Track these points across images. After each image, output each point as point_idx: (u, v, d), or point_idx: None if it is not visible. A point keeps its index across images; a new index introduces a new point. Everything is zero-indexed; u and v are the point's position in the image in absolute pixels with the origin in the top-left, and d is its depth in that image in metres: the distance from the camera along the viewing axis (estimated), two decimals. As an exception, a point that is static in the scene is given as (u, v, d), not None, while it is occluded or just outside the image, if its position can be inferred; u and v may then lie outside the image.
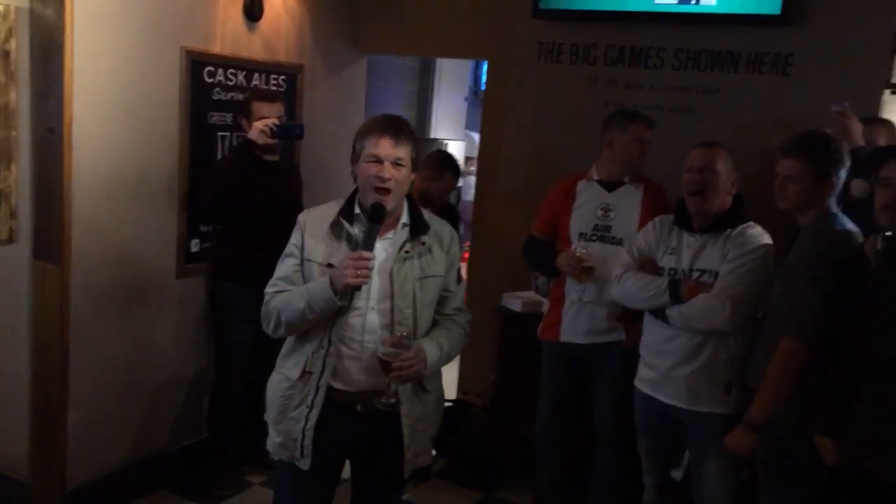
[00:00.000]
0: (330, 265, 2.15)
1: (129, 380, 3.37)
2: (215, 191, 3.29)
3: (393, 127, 2.15)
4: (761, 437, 2.47)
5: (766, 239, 2.62)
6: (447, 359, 2.27)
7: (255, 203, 3.34)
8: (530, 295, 3.77)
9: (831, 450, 2.18)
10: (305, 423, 2.18)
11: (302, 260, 2.21)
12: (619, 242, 3.09)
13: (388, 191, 2.12)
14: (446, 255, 2.27)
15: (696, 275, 2.66)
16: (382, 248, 2.19)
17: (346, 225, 2.19)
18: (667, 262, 2.75)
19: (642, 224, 3.06)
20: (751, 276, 2.55)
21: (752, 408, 2.43)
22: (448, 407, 3.61)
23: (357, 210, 2.20)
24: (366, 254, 2.08)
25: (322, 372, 2.18)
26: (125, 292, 3.29)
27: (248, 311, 3.39)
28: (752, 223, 2.67)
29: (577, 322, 3.16)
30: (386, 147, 2.12)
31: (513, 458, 3.87)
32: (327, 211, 2.23)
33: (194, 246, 3.55)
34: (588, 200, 3.18)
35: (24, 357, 3.13)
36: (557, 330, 3.21)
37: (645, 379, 2.80)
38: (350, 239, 2.18)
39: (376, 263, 2.14)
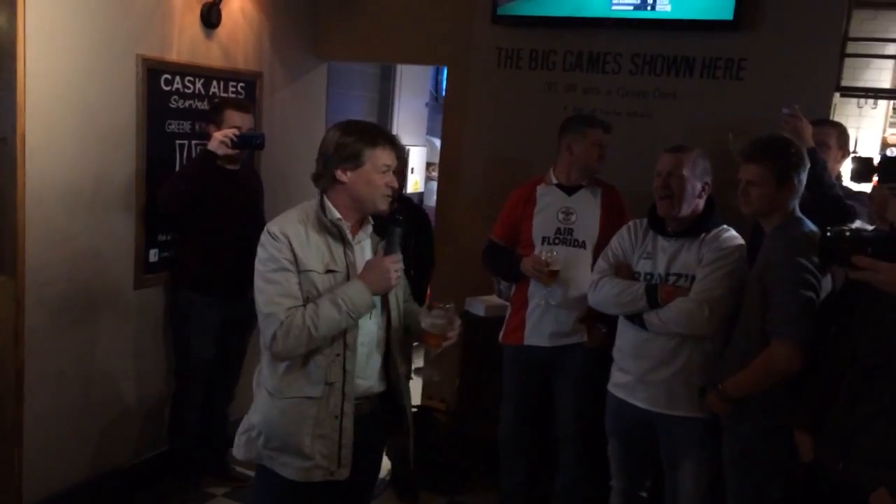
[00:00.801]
0: (330, 271, 2.17)
1: (86, 393, 3.31)
2: (176, 201, 3.25)
3: (393, 137, 2.25)
4: (728, 437, 2.51)
5: (740, 242, 2.65)
6: None
7: (216, 212, 3.31)
8: (493, 299, 3.79)
9: (809, 446, 2.21)
10: (341, 434, 2.18)
11: (299, 273, 2.15)
12: (583, 245, 3.13)
13: (393, 198, 2.24)
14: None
15: (672, 279, 2.67)
16: (360, 250, 2.25)
17: (345, 229, 2.20)
18: (642, 266, 2.75)
19: (603, 226, 3.11)
20: (727, 279, 2.57)
21: (728, 380, 2.45)
22: (413, 412, 3.64)
23: (337, 214, 2.20)
24: (396, 256, 2.21)
25: (344, 379, 2.18)
26: (82, 304, 3.23)
27: (209, 320, 3.37)
28: (725, 227, 2.69)
29: (541, 325, 3.18)
30: (391, 156, 2.21)
31: (478, 461, 3.88)
32: (300, 218, 2.19)
33: (153, 256, 3.50)
34: (549, 205, 3.21)
35: (-23, 372, 3.05)
36: (521, 334, 3.22)
37: (618, 384, 2.80)
38: (347, 242, 2.20)
39: (361, 263, 2.22)
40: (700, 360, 2.62)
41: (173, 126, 3.52)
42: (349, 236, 2.20)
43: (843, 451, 2.03)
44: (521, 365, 3.30)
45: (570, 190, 3.20)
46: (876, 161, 2.21)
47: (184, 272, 3.46)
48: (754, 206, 2.46)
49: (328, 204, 2.20)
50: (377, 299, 2.24)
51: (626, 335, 2.79)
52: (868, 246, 1.66)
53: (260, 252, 2.17)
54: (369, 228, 2.30)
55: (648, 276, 2.72)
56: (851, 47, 3.45)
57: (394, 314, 2.30)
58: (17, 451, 3.04)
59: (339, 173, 2.17)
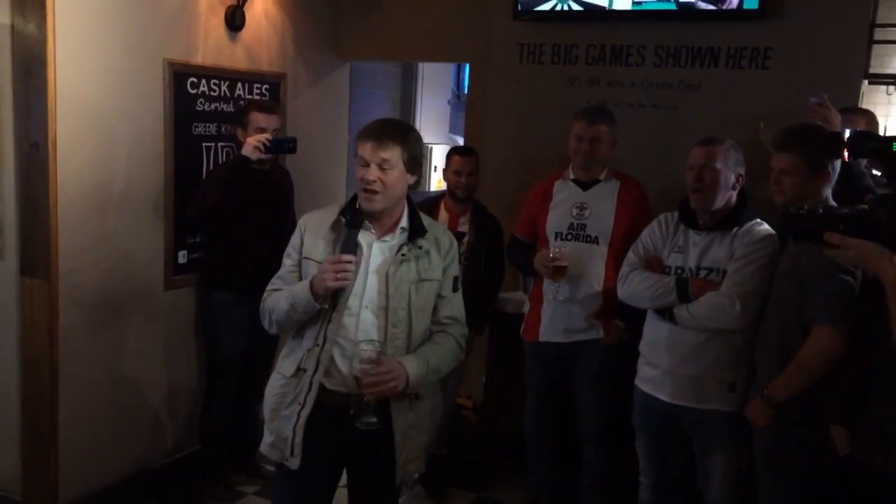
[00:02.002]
0: None
1: (119, 393, 3.36)
2: (209, 206, 3.27)
3: (378, 130, 2.18)
4: (759, 430, 2.47)
5: (773, 235, 2.60)
6: (436, 373, 2.26)
7: (246, 213, 3.34)
8: (519, 295, 3.78)
9: (845, 440, 2.18)
10: (297, 421, 2.20)
11: (300, 259, 2.26)
12: (595, 241, 3.10)
13: (374, 192, 2.16)
14: (443, 259, 2.29)
15: (703, 273, 2.64)
16: (380, 251, 2.23)
17: (342, 221, 2.22)
18: (673, 260, 2.73)
19: (618, 221, 3.08)
20: (759, 273, 2.54)
21: (774, 383, 2.39)
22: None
23: (357, 209, 2.23)
24: (345, 257, 2.13)
25: (316, 369, 2.19)
26: (113, 306, 3.28)
27: (238, 321, 3.40)
28: (759, 220, 2.65)
29: (554, 321, 3.17)
30: (368, 150, 2.15)
31: (505, 458, 3.87)
32: (328, 212, 2.29)
33: (182, 257, 3.54)
34: (563, 200, 3.20)
35: (12, 374, 3.11)
36: (537, 330, 3.22)
37: (646, 378, 2.79)
38: (349, 241, 2.21)
39: (373, 265, 2.20)
40: (730, 354, 2.59)
41: (200, 128, 3.56)
42: (352, 236, 2.19)
43: (882, 445, 1.99)
44: (539, 361, 3.29)
45: (585, 185, 3.18)
46: (845, 136, 2.19)
47: (214, 272, 3.49)
48: (787, 195, 2.43)
49: (358, 201, 2.23)
50: (371, 300, 2.18)
51: (654, 329, 2.77)
52: (840, 223, 1.64)
53: None
54: (404, 235, 2.23)
55: (679, 270, 2.70)
56: (879, 34, 3.41)
57: (403, 326, 2.20)
58: (53, 451, 3.10)
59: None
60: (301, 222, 2.32)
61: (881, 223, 1.63)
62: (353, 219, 2.20)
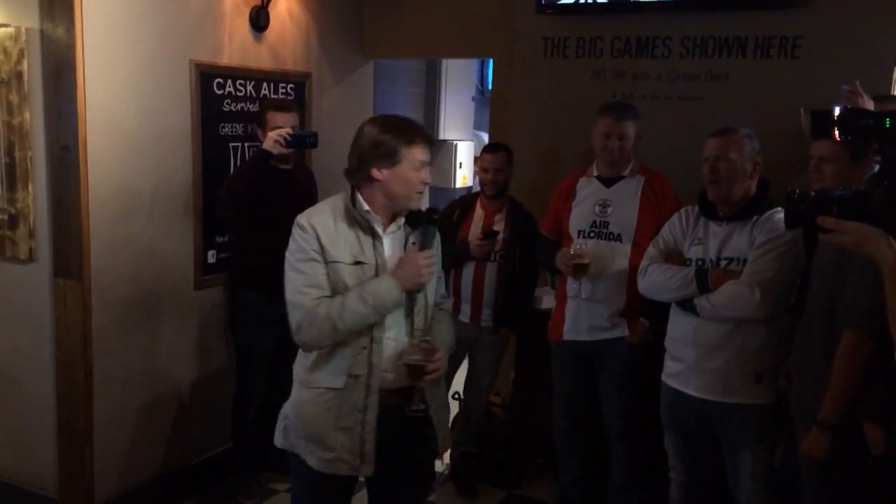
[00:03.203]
0: (358, 262, 2.16)
1: (152, 393, 3.40)
2: (233, 201, 3.31)
3: (430, 134, 2.24)
4: (804, 429, 2.38)
5: None
6: (449, 350, 2.36)
7: (270, 211, 3.35)
8: (547, 291, 3.76)
9: (880, 439, 2.13)
10: (363, 428, 2.17)
11: (326, 264, 2.16)
12: (618, 238, 3.08)
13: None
14: (435, 236, 2.31)
15: (723, 263, 2.62)
16: (389, 245, 2.23)
17: (374, 221, 2.19)
18: (693, 252, 2.70)
19: (641, 218, 3.04)
20: (779, 261, 2.51)
21: (824, 408, 2.29)
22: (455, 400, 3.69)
23: (366, 207, 2.19)
24: (430, 252, 2.21)
25: (370, 372, 2.17)
26: (145, 306, 3.32)
27: (268, 320, 3.41)
28: (779, 208, 2.60)
29: (578, 320, 3.15)
30: (428, 154, 2.20)
31: (535, 455, 3.86)
32: (329, 212, 2.21)
33: (211, 257, 3.58)
34: (586, 197, 3.17)
35: (48, 374, 3.16)
36: (561, 329, 3.21)
37: (672, 373, 2.76)
38: (376, 235, 2.20)
39: (389, 259, 2.21)
40: (756, 345, 2.56)
41: (227, 129, 3.59)
42: (379, 229, 2.20)
43: None
44: (564, 360, 3.27)
45: (609, 181, 3.15)
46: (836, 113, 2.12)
47: (241, 271, 3.52)
48: (827, 183, 2.38)
49: (359, 198, 2.20)
50: (405, 295, 2.20)
51: (677, 322, 2.75)
52: (833, 206, 1.56)
53: (290, 243, 2.20)
54: (401, 221, 2.26)
55: (700, 262, 2.67)
56: (912, 19, 3.33)
57: (423, 312, 2.26)
58: (89, 450, 3.14)
59: (374, 171, 2.15)
60: (306, 223, 2.17)
61: (877, 203, 1.55)
62: (432, 217, 2.26)
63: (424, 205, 2.32)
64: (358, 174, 2.19)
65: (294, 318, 2.15)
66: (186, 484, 3.58)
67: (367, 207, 2.19)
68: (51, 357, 3.14)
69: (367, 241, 2.19)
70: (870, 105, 2.78)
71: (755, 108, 3.43)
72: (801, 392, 2.42)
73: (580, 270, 3.01)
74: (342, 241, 2.16)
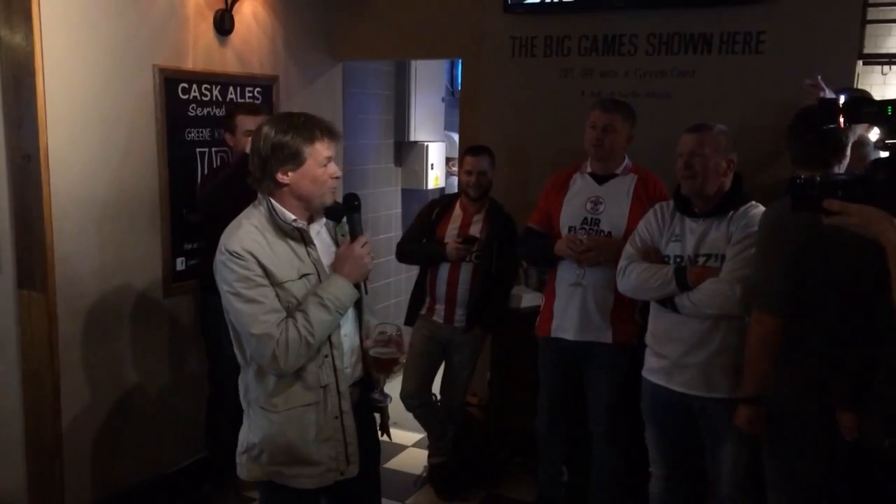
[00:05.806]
0: (304, 275, 2.09)
1: (123, 403, 3.35)
2: (217, 207, 3.24)
3: (332, 126, 2.14)
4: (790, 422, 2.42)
5: None
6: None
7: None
8: (521, 291, 3.76)
9: (852, 425, 2.16)
10: (344, 432, 2.16)
11: (275, 288, 2.06)
12: (609, 236, 3.07)
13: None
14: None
15: (701, 260, 2.63)
16: (319, 240, 2.19)
17: (304, 229, 2.12)
18: (671, 249, 2.71)
19: (633, 216, 3.03)
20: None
21: (742, 384, 2.43)
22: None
23: (291, 216, 2.10)
24: (365, 238, 2.18)
25: (337, 378, 2.15)
26: (114, 315, 3.27)
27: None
28: (754, 203, 2.64)
29: (567, 317, 3.15)
30: (332, 148, 2.12)
31: (514, 454, 3.86)
32: (256, 230, 2.07)
33: (180, 264, 3.53)
34: (578, 193, 3.17)
35: (14, 387, 3.10)
36: (549, 326, 3.20)
37: (653, 369, 2.77)
38: (308, 241, 2.14)
39: (324, 260, 2.16)
40: (736, 340, 2.57)
41: (193, 134, 3.55)
42: (310, 235, 2.14)
43: (890, 429, 1.97)
44: (552, 356, 3.27)
45: (601, 178, 3.15)
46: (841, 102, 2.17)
47: (212, 277, 3.46)
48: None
49: (279, 207, 2.09)
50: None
51: (658, 320, 2.76)
52: (838, 189, 1.60)
53: (224, 273, 2.04)
54: (322, 218, 2.22)
55: (678, 259, 2.68)
56: (872, 13, 3.38)
57: (362, 298, 2.26)
58: (58, 463, 3.09)
59: (280, 176, 2.06)
60: (241, 250, 2.02)
61: (880, 186, 1.59)
62: (354, 204, 2.19)
63: (339, 195, 2.25)
64: (265, 182, 2.09)
65: (264, 351, 2.01)
66: (162, 494, 3.53)
67: (292, 216, 2.09)
68: (17, 369, 3.08)
69: (301, 250, 2.11)
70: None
71: (721, 103, 3.46)
72: (784, 384, 2.43)
73: (586, 256, 3.02)
74: (283, 260, 2.06)
